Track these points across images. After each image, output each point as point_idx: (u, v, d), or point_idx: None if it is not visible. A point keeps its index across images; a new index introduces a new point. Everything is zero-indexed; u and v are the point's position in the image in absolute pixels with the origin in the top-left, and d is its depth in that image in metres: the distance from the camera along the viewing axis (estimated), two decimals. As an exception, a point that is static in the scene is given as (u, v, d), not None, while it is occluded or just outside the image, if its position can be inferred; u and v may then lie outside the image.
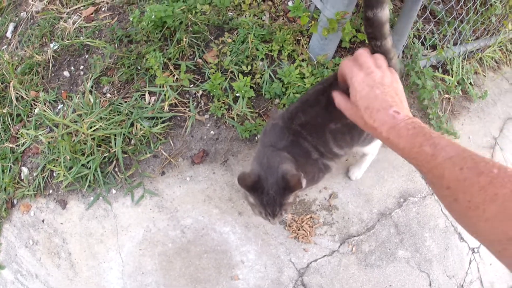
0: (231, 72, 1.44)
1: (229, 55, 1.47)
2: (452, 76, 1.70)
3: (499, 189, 0.49)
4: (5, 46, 1.99)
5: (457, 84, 1.71)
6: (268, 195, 0.94)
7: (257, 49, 1.46)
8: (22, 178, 1.60)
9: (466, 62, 1.85)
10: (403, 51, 1.62)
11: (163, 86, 1.43)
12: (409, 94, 1.64)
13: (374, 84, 0.67)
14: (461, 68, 1.76)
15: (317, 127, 1.00)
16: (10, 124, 1.70)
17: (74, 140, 1.49)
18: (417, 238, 1.49)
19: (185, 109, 1.44)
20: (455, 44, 1.81)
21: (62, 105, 1.62)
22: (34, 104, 1.68)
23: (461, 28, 1.81)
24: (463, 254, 1.56)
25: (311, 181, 1.13)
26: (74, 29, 1.71)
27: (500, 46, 2.09)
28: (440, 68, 1.71)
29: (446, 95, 1.71)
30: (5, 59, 1.80)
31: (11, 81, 1.73)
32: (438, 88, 1.62)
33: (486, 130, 1.83)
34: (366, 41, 0.87)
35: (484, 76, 1.96)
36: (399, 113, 0.63)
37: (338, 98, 0.74)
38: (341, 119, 0.95)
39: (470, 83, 1.82)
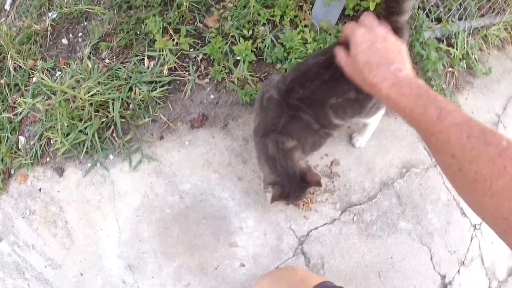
0: (232, 36, 1.41)
1: (230, 20, 1.44)
2: (456, 50, 1.66)
3: (509, 162, 0.45)
4: (3, 19, 1.96)
5: (461, 58, 1.68)
6: (294, 196, 1.02)
7: (259, 14, 1.43)
8: (19, 147, 1.57)
9: (471, 38, 1.82)
10: (407, 22, 1.58)
11: (162, 50, 1.40)
12: (413, 65, 1.60)
13: (376, 39, 0.62)
14: (466, 42, 1.73)
15: (317, 102, 0.97)
16: (8, 95, 1.66)
17: (71, 106, 1.46)
18: (419, 210, 1.46)
19: (184, 73, 1.41)
20: (460, 19, 1.78)
21: (60, 73, 1.59)
22: (32, 73, 1.65)
23: (466, 4, 1.77)
24: (464, 230, 1.53)
25: (313, 148, 1.11)
26: (73, -4, 1.68)
27: (505, 26, 2.05)
28: (444, 41, 1.67)
29: (450, 69, 1.68)
30: (3, 30, 1.77)
31: (9, 51, 1.70)
32: (443, 60, 1.58)
33: (490, 106, 1.79)
34: (382, 15, 0.84)
35: (489, 53, 1.93)
36: (402, 70, 0.58)
37: (339, 53, 0.69)
38: (342, 94, 0.94)
39: (475, 59, 1.78)
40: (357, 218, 1.37)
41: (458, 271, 1.50)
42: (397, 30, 0.80)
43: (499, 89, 1.89)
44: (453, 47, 1.68)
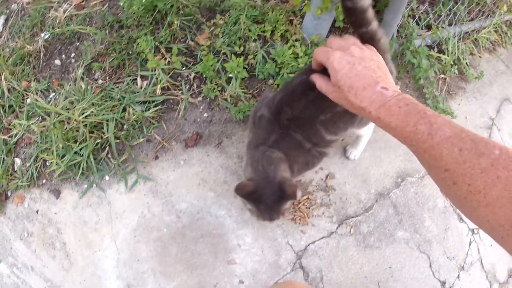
0: (224, 53, 1.40)
1: (221, 37, 1.43)
2: (447, 56, 1.66)
3: (502, 172, 0.45)
4: (-3, 39, 1.95)
5: (453, 64, 1.67)
6: (265, 203, 0.94)
7: (250, 30, 1.42)
8: (15, 169, 1.56)
9: (462, 43, 1.82)
10: (397, 30, 1.58)
11: (155, 70, 1.40)
12: (405, 74, 1.60)
13: (354, 59, 0.60)
14: (456, 48, 1.72)
15: (306, 121, 0.96)
16: (2, 116, 1.66)
17: (66, 128, 1.45)
18: (416, 219, 1.46)
19: (177, 92, 1.40)
20: (450, 24, 1.78)
21: (53, 94, 1.58)
22: (26, 94, 1.64)
23: (455, 9, 1.77)
24: (463, 235, 1.52)
25: (305, 168, 1.10)
26: (65, 17, 1.67)
27: (496, 28, 2.05)
28: (435, 48, 1.67)
29: (442, 75, 1.68)
30: (-4, 51, 1.76)
31: (2, 73, 1.69)
32: (434, 67, 1.58)
33: (483, 110, 1.79)
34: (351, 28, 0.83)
35: (480, 57, 1.93)
36: (387, 89, 0.57)
37: (318, 81, 0.68)
38: (331, 109, 0.93)
39: (466, 63, 1.78)
40: (354, 230, 1.37)
41: (458, 276, 1.49)
42: (370, 39, 0.80)
43: (491, 92, 1.88)
44: (444, 54, 1.68)
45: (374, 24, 0.81)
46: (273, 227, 1.32)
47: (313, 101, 0.92)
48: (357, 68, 0.60)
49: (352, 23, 0.80)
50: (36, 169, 1.49)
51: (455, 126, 0.51)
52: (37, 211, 1.48)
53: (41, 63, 1.66)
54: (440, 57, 1.64)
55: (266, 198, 0.93)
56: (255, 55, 1.39)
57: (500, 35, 2.10)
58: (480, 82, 1.85)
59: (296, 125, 0.97)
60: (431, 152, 0.51)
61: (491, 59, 2.00)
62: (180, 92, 1.39)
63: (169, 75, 1.40)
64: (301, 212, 1.32)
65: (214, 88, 1.36)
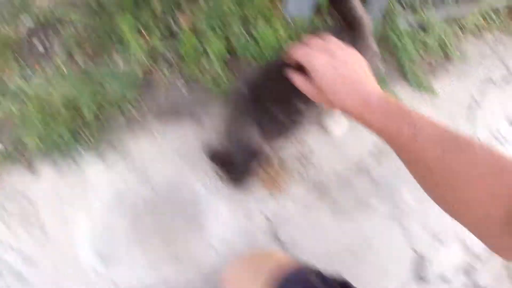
0: (205, 34, 1.40)
1: (203, 18, 1.43)
2: (432, 38, 1.67)
3: (482, 169, 0.47)
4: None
5: (437, 46, 1.68)
6: (237, 169, 0.97)
7: (232, 11, 1.42)
8: (-4, 153, 1.55)
9: (447, 26, 1.83)
10: (382, 12, 1.58)
11: (135, 50, 1.40)
12: (388, 55, 1.61)
13: (338, 63, 0.61)
14: (441, 30, 1.73)
15: (283, 95, 0.96)
16: (-16, 101, 1.64)
17: (45, 107, 1.46)
18: (393, 190, 1.48)
19: (157, 72, 1.42)
20: (435, 7, 1.78)
21: (35, 77, 1.58)
22: (7, 79, 1.63)
23: (441, -8, 1.78)
24: (441, 210, 1.53)
25: (280, 137, 1.12)
26: (48, 3, 1.66)
27: (482, 13, 2.06)
28: (420, 31, 1.67)
29: (426, 56, 1.68)
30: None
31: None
32: (419, 50, 1.59)
33: (466, 91, 1.82)
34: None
35: (465, 40, 1.94)
36: (371, 91, 0.58)
37: (299, 81, 0.67)
38: None
39: (451, 46, 1.79)
40: (329, 200, 1.38)
41: (436, 249, 1.53)
42: (353, 21, 0.80)
43: (476, 74, 1.90)
44: (428, 36, 1.68)
45: (359, 8, 0.82)
46: (247, 196, 1.35)
47: (289, 83, 0.93)
48: (339, 71, 0.60)
49: (335, 6, 0.81)
50: (16, 150, 1.49)
51: (438, 126, 0.52)
52: (14, 188, 1.49)
53: (24, 50, 1.65)
54: (424, 39, 1.65)
55: (237, 163, 0.96)
56: (237, 36, 1.39)
57: (487, 21, 2.11)
58: (464, 64, 1.87)
59: (272, 99, 0.97)
60: (413, 153, 0.53)
61: (477, 42, 2.01)
62: (160, 72, 1.41)
63: (150, 55, 1.41)
64: (276, 181, 1.33)
65: (194, 68, 1.37)
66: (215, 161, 0.96)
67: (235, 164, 0.95)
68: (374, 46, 1.01)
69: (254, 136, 0.97)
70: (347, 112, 0.59)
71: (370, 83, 0.60)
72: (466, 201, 0.48)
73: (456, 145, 0.49)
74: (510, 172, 0.46)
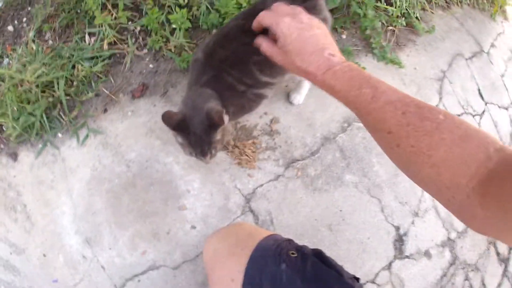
0: (168, 6, 1.43)
1: (166, -9, 1.45)
2: (395, 8, 1.69)
3: (447, 134, 0.47)
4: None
5: (400, 15, 1.71)
6: (195, 134, 0.94)
7: (194, -17, 1.44)
8: (-27, 137, 1.57)
9: (412, -2, 1.85)
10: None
11: (101, 26, 1.42)
12: (351, 25, 1.64)
13: (303, 26, 0.62)
14: (405, 1, 1.75)
15: (239, 61, 0.97)
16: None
17: (19, 90, 1.47)
18: (364, 163, 1.49)
19: (124, 46, 1.43)
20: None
21: (7, 59, 1.60)
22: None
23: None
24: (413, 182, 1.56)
25: (242, 111, 1.13)
26: (17, -16, 1.68)
27: (450, -13, 2.09)
28: (383, 0, 1.70)
29: (390, 27, 1.71)
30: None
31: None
32: (380, 18, 1.62)
33: (434, 63, 1.83)
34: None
35: (432, 13, 1.96)
36: (334, 55, 0.59)
37: (264, 44, 0.68)
38: None
39: (416, 17, 1.81)
40: (301, 173, 1.41)
41: (413, 222, 1.54)
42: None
43: (444, 47, 1.92)
44: (392, 6, 1.71)
45: None
46: (220, 172, 1.36)
47: (247, 42, 0.90)
48: (305, 35, 0.61)
49: None
50: None
51: (399, 92, 0.53)
52: None
53: (-6, 30, 1.68)
54: (387, 8, 1.67)
55: (195, 128, 0.93)
56: (199, 7, 1.42)
57: (455, -6, 2.14)
58: (431, 37, 1.89)
59: (228, 66, 0.97)
60: (374, 115, 0.53)
61: (445, 16, 2.03)
62: (126, 45, 1.42)
63: (116, 30, 1.43)
64: (247, 156, 1.35)
65: (159, 40, 1.39)
66: (169, 125, 0.93)
67: (191, 131, 0.94)
68: (325, 11, 1.04)
69: (210, 102, 0.96)
70: (310, 75, 0.60)
71: (333, 49, 0.61)
72: (430, 166, 0.47)
73: (417, 109, 0.49)
74: (474, 137, 0.46)
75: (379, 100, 0.52)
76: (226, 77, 0.99)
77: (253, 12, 0.80)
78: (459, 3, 2.15)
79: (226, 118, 0.93)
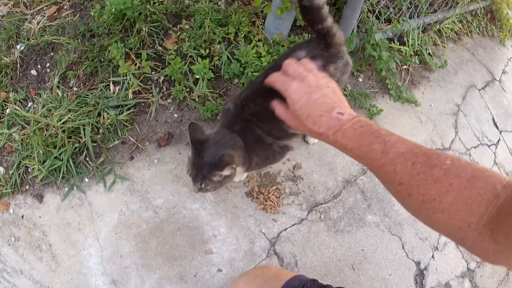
0: (190, 56, 1.53)
1: (188, 41, 1.56)
2: (408, 47, 1.80)
3: (454, 180, 0.50)
4: (-26, 53, 2.06)
5: (413, 54, 1.81)
6: (201, 160, 1.02)
7: (214, 33, 1.55)
8: (-1, 178, 1.66)
9: (424, 34, 1.96)
10: (357, 25, 1.72)
11: (126, 75, 1.52)
12: (367, 67, 1.74)
13: (311, 89, 0.66)
14: (417, 39, 1.87)
15: (269, 115, 1.01)
16: (-17, 128, 1.77)
17: (45, 134, 1.57)
18: (384, 203, 1.59)
19: (148, 95, 1.53)
20: (411, 17, 1.92)
21: (31, 103, 1.70)
22: (5, 104, 1.76)
23: (417, 1, 1.91)
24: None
25: (266, 162, 1.21)
26: (39, 28, 1.79)
27: (460, 18, 2.20)
28: (396, 41, 1.81)
29: (404, 66, 1.82)
30: (-27, 65, 1.88)
31: (-19, 86, 1.81)
32: (395, 59, 1.72)
33: (448, 97, 1.93)
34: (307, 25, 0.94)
35: (444, 47, 2.07)
36: (343, 114, 0.63)
37: (277, 108, 0.74)
38: None
39: (429, 54, 1.93)
40: (324, 216, 1.50)
41: (433, 256, 1.62)
42: (326, 35, 0.91)
43: (457, 80, 2.03)
44: (405, 45, 1.82)
45: (329, 20, 0.94)
46: (246, 217, 1.46)
47: (277, 96, 1.02)
48: (313, 97, 0.65)
49: (309, 21, 0.92)
50: (19, 176, 1.59)
51: (408, 143, 0.57)
52: (22, 216, 1.59)
53: (18, 74, 1.78)
54: (400, 48, 1.78)
55: (206, 156, 1.01)
56: (220, 57, 1.52)
57: (465, 24, 2.25)
58: (444, 71, 2.00)
59: (258, 119, 1.06)
60: (385, 168, 0.57)
61: (456, 48, 2.15)
62: (151, 95, 1.52)
63: (140, 79, 1.53)
64: (271, 202, 1.45)
65: (182, 90, 1.49)
66: (190, 136, 1.01)
67: (202, 155, 1.01)
68: (347, 56, 1.12)
69: (233, 151, 1.03)
70: (322, 136, 0.64)
71: (343, 106, 0.64)
72: (441, 211, 0.51)
73: (426, 158, 0.53)
74: (480, 178, 0.50)
75: (388, 153, 0.56)
76: (256, 130, 1.07)
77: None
78: (469, 33, 2.26)
79: (229, 171, 1.00)
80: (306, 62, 0.73)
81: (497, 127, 2.06)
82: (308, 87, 0.67)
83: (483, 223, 0.48)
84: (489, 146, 1.96)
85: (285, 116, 0.72)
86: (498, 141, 2.01)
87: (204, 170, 1.03)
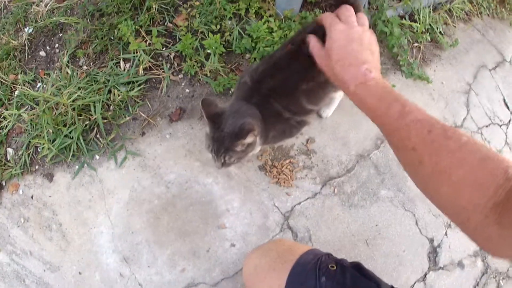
0: (201, 32, 1.56)
1: (198, 17, 1.60)
2: (419, 24, 1.83)
3: (468, 155, 0.51)
4: (-19, 38, 2.10)
5: (424, 31, 1.84)
6: (222, 132, 1.03)
7: (225, 9, 1.59)
8: (8, 159, 1.69)
9: (435, 13, 1.99)
10: (368, 2, 1.75)
11: (136, 52, 1.55)
12: (378, 44, 1.75)
13: (353, 38, 0.68)
14: (428, 17, 1.90)
15: (288, 90, 1.04)
16: (-9, 111, 1.80)
17: (55, 113, 1.59)
18: (398, 178, 1.61)
19: (159, 71, 1.56)
20: (421, -5, 1.95)
21: (40, 84, 1.74)
22: (14, 87, 1.79)
23: (426, -20, 1.94)
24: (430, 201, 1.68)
25: (282, 136, 1.23)
26: (47, 11, 1.83)
27: (470, -1, 2.23)
28: (407, 18, 1.84)
29: (416, 44, 1.84)
30: (-19, 49, 1.92)
31: (-11, 69, 1.84)
32: (406, 35, 1.75)
33: (460, 76, 1.96)
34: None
35: (455, 26, 2.10)
36: (371, 71, 0.64)
37: (313, 42, 0.75)
38: (313, 78, 1.02)
39: (440, 32, 1.95)
40: (338, 190, 1.52)
41: (446, 234, 1.64)
42: (344, 1, 0.93)
43: (468, 59, 2.05)
44: (416, 22, 1.85)
45: None
46: (259, 191, 1.48)
47: (296, 71, 1.01)
48: (352, 46, 0.67)
49: None
50: (28, 156, 1.62)
51: (426, 114, 0.58)
52: (32, 197, 1.61)
53: (26, 56, 1.82)
54: (412, 25, 1.81)
55: (226, 128, 1.02)
56: (231, 32, 1.55)
57: (475, 5, 2.28)
58: (455, 50, 2.02)
59: (276, 94, 1.06)
60: (400, 132, 0.58)
61: (466, 28, 2.17)
62: (162, 71, 1.55)
63: (150, 55, 1.56)
64: (285, 175, 1.47)
65: (193, 65, 1.52)
66: (206, 112, 1.01)
67: (221, 128, 1.01)
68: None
69: (252, 119, 1.03)
70: (345, 84, 0.66)
71: (373, 66, 0.66)
72: (450, 185, 0.51)
73: (442, 130, 0.53)
74: (494, 160, 0.50)
75: (406, 117, 0.57)
76: (273, 104, 1.08)
77: (301, 38, 0.90)
78: (479, 14, 2.29)
79: (252, 138, 1.02)
80: (362, 17, 0.74)
81: (508, 108, 2.08)
82: (351, 36, 0.68)
83: (490, 205, 0.48)
84: (500, 126, 1.98)
85: (317, 51, 0.74)
86: (509, 121, 2.03)
87: (226, 142, 1.03)
